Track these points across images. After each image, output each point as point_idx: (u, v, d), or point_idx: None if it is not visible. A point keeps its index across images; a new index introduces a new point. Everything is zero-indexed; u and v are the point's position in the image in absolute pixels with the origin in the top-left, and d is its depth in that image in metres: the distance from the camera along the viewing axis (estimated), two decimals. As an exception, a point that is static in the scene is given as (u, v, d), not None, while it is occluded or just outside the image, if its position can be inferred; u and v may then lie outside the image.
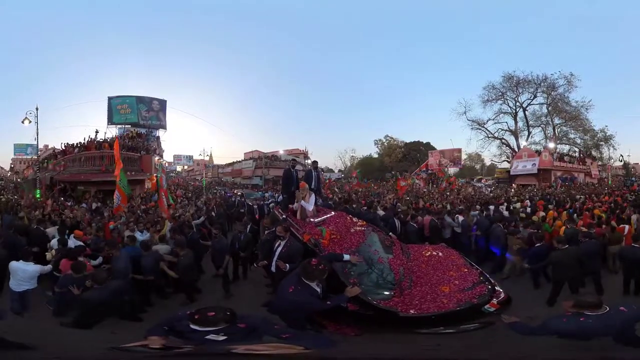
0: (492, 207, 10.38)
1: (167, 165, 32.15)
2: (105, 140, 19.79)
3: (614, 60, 64.39)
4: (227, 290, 6.06)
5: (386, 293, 4.33)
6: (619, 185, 28.50)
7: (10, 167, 55.18)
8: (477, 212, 9.46)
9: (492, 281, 4.80)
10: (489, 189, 24.86)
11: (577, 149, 38.77)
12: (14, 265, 5.07)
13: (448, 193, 17.79)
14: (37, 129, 17.45)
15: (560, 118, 39.69)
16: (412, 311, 4.02)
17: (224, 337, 1.74)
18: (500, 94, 40.09)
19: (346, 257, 4.38)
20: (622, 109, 68.36)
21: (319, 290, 3.55)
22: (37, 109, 17.32)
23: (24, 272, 5.01)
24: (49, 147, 42.20)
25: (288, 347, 1.83)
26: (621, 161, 36.98)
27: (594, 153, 38.72)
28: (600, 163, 38.27)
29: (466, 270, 5.12)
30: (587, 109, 37.98)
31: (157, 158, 19.29)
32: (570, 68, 41.20)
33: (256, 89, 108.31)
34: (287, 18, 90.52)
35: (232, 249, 6.54)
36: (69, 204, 12.51)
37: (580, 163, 34.29)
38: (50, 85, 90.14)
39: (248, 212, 11.32)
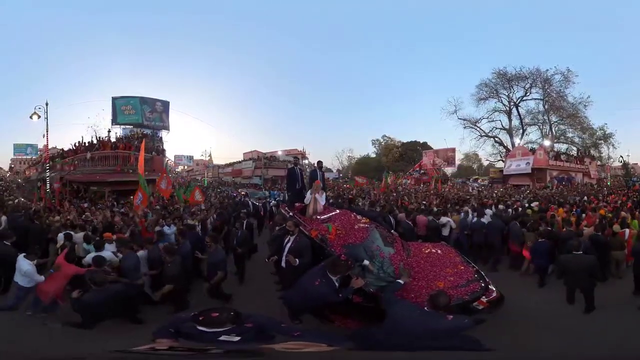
0: (489, 211, 9.83)
1: (173, 166, 32.75)
2: (119, 140, 19.73)
3: (612, 58, 64.52)
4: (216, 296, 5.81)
5: (386, 285, 4.49)
6: (619, 185, 27.86)
7: (10, 167, 54.90)
8: (464, 213, 9.16)
9: (487, 280, 4.98)
10: (476, 190, 23.86)
11: (575, 148, 38.26)
12: (18, 257, 5.27)
13: (433, 194, 17.96)
14: (47, 125, 16.44)
15: (557, 116, 38.57)
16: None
17: (238, 338, 1.75)
18: (493, 91, 39.33)
19: (366, 262, 4.66)
20: (620, 107, 69.24)
21: (337, 284, 3.98)
22: (47, 104, 16.31)
23: (20, 267, 5.17)
24: (49, 147, 42.77)
25: (316, 345, 1.83)
26: (621, 162, 36.56)
27: (592, 152, 37.93)
28: (599, 163, 37.60)
29: (462, 267, 5.35)
30: (585, 105, 37.09)
31: (167, 159, 19.64)
32: (569, 66, 38.48)
33: (255, 89, 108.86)
34: (286, 19, 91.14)
35: (230, 245, 6.88)
36: (85, 205, 12.58)
37: (579, 162, 33.47)
38: (49, 85, 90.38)
39: (253, 210, 11.89)
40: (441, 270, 5.21)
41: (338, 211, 6.68)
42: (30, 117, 16.12)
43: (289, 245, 5.29)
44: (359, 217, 6.48)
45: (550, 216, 8.64)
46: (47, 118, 16.32)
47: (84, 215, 9.21)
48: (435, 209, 9.86)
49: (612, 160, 38.86)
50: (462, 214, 8.95)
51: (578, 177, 31.55)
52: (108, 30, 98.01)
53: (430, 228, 8.15)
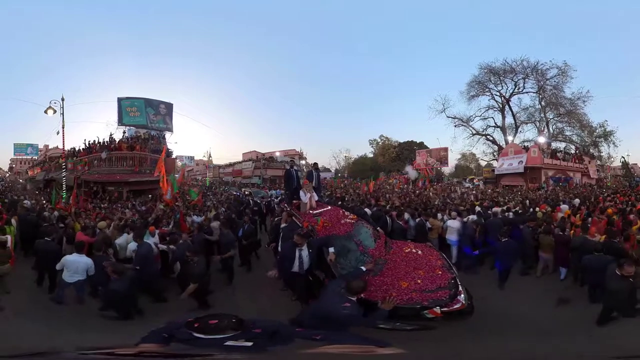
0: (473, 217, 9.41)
1: (179, 166, 34.32)
2: (135, 141, 20.44)
3: (612, 54, 65.00)
4: (231, 279, 6.87)
5: (362, 267, 5.01)
6: (620, 186, 27.38)
7: (10, 167, 55.57)
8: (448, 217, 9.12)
9: (460, 289, 4.95)
10: (458, 192, 22.67)
11: (573, 147, 37.06)
12: (68, 258, 5.57)
13: (397, 194, 18.75)
14: (63, 120, 16.36)
15: (554, 113, 37.40)
16: (362, 295, 4.51)
17: (250, 343, 1.71)
18: (484, 87, 38.27)
19: (331, 250, 5.41)
20: (619, 106, 68.55)
21: (298, 253, 5.20)
22: (62, 99, 16.31)
23: (77, 264, 5.47)
24: (50, 147, 43.26)
25: (340, 347, 1.84)
26: (622, 162, 35.96)
27: (592, 151, 36.84)
28: (599, 162, 36.90)
29: (440, 272, 5.36)
30: (584, 101, 35.67)
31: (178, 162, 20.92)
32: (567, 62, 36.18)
33: (254, 89, 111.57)
34: (285, 20, 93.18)
35: (236, 236, 7.67)
36: (105, 205, 13.38)
37: (577, 161, 32.45)
38: (49, 85, 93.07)
39: (257, 208, 13.53)
40: (413, 271, 5.38)
41: (329, 207, 7.69)
42: (45, 112, 16.14)
43: (283, 230, 6.67)
44: (347, 213, 7.31)
45: (560, 219, 8.35)
46: (62, 113, 16.35)
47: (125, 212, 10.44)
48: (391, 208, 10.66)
49: (612, 159, 38.63)
50: (447, 217, 8.93)
51: (576, 177, 30.46)
52: (107, 30, 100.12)
53: (417, 229, 8.52)
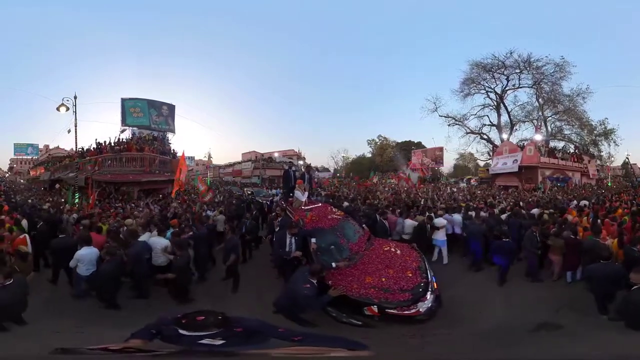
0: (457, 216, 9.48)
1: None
2: (143, 142, 21.59)
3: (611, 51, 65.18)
4: (236, 285, 6.96)
5: (332, 263, 5.58)
6: (621, 186, 27.33)
7: (10, 167, 55.93)
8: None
9: (425, 296, 5.01)
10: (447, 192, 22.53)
11: (572, 146, 36.28)
12: (80, 252, 5.80)
13: (406, 193, 19.05)
14: (76, 119, 16.71)
15: (552, 110, 36.52)
16: (330, 282, 5.03)
17: (222, 341, 1.76)
18: (477, 85, 37.66)
19: (313, 240, 6.09)
20: (619, 105, 67.84)
21: (288, 240, 6.02)
22: (75, 97, 16.69)
23: (89, 256, 5.78)
24: (51, 147, 43.95)
25: (310, 350, 1.90)
26: (626, 161, 35.66)
27: (591, 150, 36.19)
28: (598, 162, 36.25)
29: (410, 274, 5.47)
30: (584, 97, 34.66)
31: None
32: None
33: (253, 89, 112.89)
34: (285, 20, 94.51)
35: (240, 232, 8.23)
36: (119, 205, 13.94)
37: (576, 159, 31.70)
38: (50, 84, 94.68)
39: (259, 207, 14.61)
40: (382, 269, 5.60)
41: (320, 204, 8.66)
42: (57, 109, 16.77)
43: (277, 223, 7.90)
44: (334, 210, 8.20)
45: (563, 221, 8.26)
46: (75, 112, 16.83)
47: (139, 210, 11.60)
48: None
49: (612, 159, 37.87)
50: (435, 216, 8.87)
51: (575, 177, 29.95)
52: (107, 31, 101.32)
53: (417, 229, 8.65)
